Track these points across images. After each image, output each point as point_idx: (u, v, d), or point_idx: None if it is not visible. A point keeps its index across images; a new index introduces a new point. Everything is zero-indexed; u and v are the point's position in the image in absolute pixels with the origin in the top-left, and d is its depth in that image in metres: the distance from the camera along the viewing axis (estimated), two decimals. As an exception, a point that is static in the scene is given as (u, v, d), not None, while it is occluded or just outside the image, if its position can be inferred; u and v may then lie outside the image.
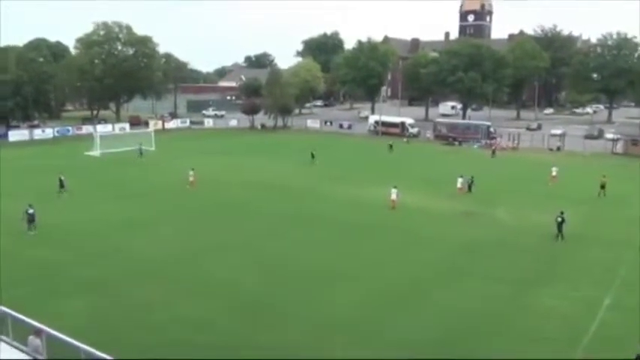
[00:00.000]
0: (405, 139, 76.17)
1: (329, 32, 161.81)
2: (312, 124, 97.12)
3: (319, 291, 21.99)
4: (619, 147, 69.92)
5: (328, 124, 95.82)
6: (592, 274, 24.59)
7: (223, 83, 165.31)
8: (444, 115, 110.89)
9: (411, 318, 19.68)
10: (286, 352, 17.08)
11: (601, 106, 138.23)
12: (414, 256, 26.75)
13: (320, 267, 24.72)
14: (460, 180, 41.78)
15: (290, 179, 46.38)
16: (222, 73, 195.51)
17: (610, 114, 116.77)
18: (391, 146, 66.79)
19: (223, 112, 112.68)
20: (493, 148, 67.53)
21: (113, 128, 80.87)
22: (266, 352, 17.05)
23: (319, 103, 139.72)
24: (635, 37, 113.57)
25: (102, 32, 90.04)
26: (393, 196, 36.74)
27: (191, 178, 41.93)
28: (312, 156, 54.92)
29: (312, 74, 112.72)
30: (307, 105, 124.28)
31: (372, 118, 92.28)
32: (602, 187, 41.70)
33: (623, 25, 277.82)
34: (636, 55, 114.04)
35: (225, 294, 21.64)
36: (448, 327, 18.99)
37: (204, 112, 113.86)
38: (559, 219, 29.74)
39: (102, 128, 77.68)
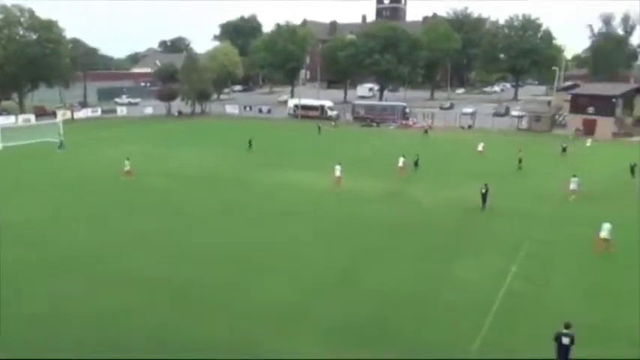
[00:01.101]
0: (332, 123, 76.67)
1: (246, 15, 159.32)
2: (231, 109, 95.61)
3: (246, 280, 21.70)
4: (524, 123, 74.13)
5: (248, 109, 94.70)
6: (502, 246, 25.89)
7: (137, 69, 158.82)
8: (362, 97, 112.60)
9: (338, 302, 19.83)
10: (214, 344, 16.79)
11: (508, 85, 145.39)
12: (341, 238, 27.01)
13: (247, 256, 24.38)
14: (402, 159, 42.32)
15: (221, 167, 45.44)
16: (135, 59, 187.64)
17: (516, 92, 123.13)
18: (320, 128, 67.56)
19: (138, 100, 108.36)
20: (425, 128, 69.30)
21: (17, 120, 75.65)
22: (193, 346, 16.70)
23: (238, 87, 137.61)
24: (539, 18, 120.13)
25: (1, 16, 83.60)
26: (338, 173, 37.64)
27: (127, 168, 40.19)
28: (250, 144, 53.79)
29: (229, 58, 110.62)
30: (226, 90, 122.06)
31: (292, 102, 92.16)
32: (520, 161, 44.42)
33: (527, 6, 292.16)
34: (539, 35, 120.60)
35: (149, 285, 20.95)
36: (374, 309, 19.33)
37: (116, 100, 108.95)
38: (483, 190, 31.68)
39: (4, 120, 72.46)
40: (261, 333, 17.50)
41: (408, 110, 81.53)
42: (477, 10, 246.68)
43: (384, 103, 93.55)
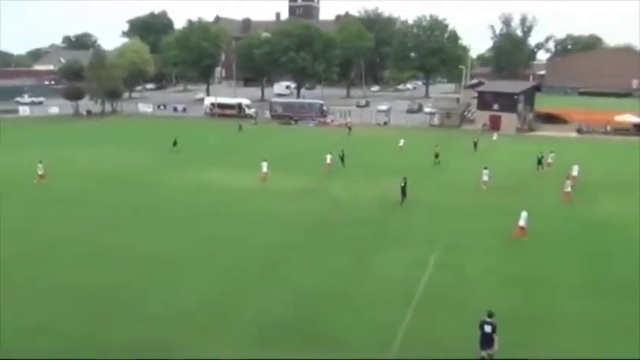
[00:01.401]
0: (253, 121, 75.92)
1: (157, 11, 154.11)
2: (144, 108, 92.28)
3: (167, 283, 20.93)
4: (436, 119, 77.22)
5: (162, 107, 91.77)
6: (421, 238, 26.70)
7: (39, 67, 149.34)
8: (280, 95, 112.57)
9: (261, 302, 19.58)
10: (133, 349, 16.04)
11: (419, 83, 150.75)
12: (259, 236, 26.72)
13: (166, 258, 23.49)
14: (329, 156, 42.58)
15: (139, 167, 43.54)
16: (37, 55, 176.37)
17: (427, 90, 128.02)
18: (241, 127, 66.94)
19: (42, 99, 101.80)
20: (348, 125, 69.96)
21: None
22: (111, 352, 15.86)
23: (151, 85, 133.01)
24: (445, 19, 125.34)
25: None
26: (264, 170, 38.45)
27: (40, 172, 37.43)
28: (175, 143, 51.49)
29: (140, 56, 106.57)
30: (138, 88, 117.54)
31: (208, 100, 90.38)
32: (436, 156, 46.06)
33: (435, 7, 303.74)
34: (446, 35, 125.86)
35: (63, 293, 19.66)
36: (296, 306, 19.27)
37: (18, 99, 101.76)
38: (402, 184, 32.38)
39: None
40: (183, 337, 16.94)
41: (325, 108, 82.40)
42: (387, 9, 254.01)
43: (301, 100, 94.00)
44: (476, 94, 77.67)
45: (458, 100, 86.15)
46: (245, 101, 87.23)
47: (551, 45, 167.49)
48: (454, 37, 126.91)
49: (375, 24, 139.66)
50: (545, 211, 31.50)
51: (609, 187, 38.03)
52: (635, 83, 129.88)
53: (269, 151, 48.29)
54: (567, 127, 71.58)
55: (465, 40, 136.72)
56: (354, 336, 17.32)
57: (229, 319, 18.32)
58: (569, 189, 33.88)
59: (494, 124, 69.79)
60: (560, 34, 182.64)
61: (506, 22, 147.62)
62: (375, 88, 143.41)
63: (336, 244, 25.73)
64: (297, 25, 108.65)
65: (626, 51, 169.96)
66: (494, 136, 62.01)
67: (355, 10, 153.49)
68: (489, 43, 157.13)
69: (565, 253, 24.74)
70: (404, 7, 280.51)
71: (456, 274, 22.15)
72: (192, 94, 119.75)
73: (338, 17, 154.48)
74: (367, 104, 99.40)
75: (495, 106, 70.98)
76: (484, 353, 15.02)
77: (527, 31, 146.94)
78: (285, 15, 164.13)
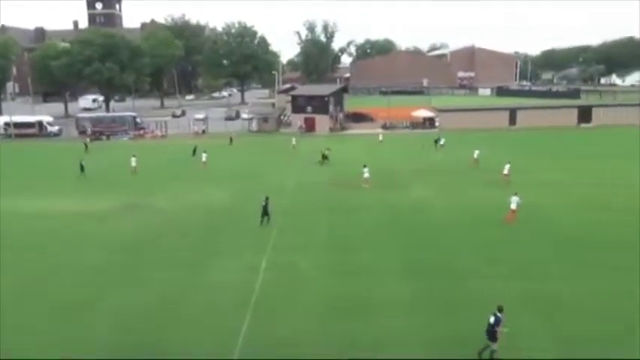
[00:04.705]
0: (87, 139, 67.87)
1: None
2: None
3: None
4: (254, 125, 78.74)
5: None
6: (251, 242, 27.19)
7: None
8: (86, 110, 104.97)
9: (84, 332, 18.44)
10: None
11: (235, 90, 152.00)
12: (82, 261, 24.88)
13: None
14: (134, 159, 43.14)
15: None
16: None
17: (242, 96, 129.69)
18: (87, 146, 60.17)
19: None
20: (201, 130, 67.46)
21: None
22: None
23: None
24: (254, 26, 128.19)
25: None
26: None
27: None
28: (82, 168, 45.55)
29: None
30: None
31: (1, 120, 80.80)
32: (325, 157, 47.82)
33: (244, 14, 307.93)
34: (256, 42, 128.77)
35: None
36: (128, 326, 18.54)
37: None
38: (263, 203, 29.91)
39: None
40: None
41: (139, 120, 78.95)
42: (194, 16, 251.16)
43: (112, 114, 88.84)
44: (290, 99, 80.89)
45: (273, 104, 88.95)
46: (46, 118, 79.77)
47: (352, 49, 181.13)
48: (264, 43, 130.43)
49: (184, 31, 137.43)
50: (359, 201, 34.32)
51: (411, 176, 42.50)
52: (425, 82, 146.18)
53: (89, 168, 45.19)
54: (374, 124, 78.16)
55: (274, 46, 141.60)
56: (194, 345, 17.23)
57: (60, 346, 16.92)
58: (366, 175, 37.99)
59: (310, 126, 73.50)
60: (360, 39, 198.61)
61: (311, 28, 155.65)
62: (190, 96, 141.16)
63: (166, 259, 25.09)
64: (100, 34, 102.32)
65: (416, 54, 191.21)
66: (293, 141, 62.60)
67: (162, 18, 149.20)
68: (297, 49, 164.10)
69: (383, 239, 27.17)
70: (210, 14, 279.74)
71: (289, 273, 23.07)
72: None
73: (144, 25, 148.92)
74: (183, 113, 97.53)
75: (309, 109, 74.74)
76: (490, 344, 15.81)
77: (330, 36, 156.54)
78: (84, 23, 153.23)
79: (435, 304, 19.79)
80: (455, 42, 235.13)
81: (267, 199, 30.08)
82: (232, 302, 20.27)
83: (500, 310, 15.94)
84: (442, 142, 55.56)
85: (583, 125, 72.66)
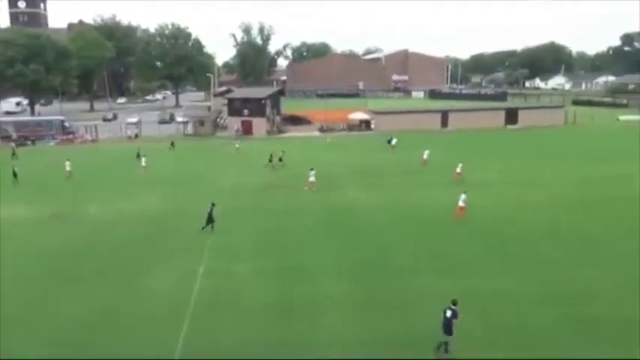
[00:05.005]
0: (13, 145, 63.57)
1: None
2: None
3: None
4: (189, 128, 77.28)
5: None
6: (188, 248, 26.64)
7: None
8: (9, 113, 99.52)
9: (20, 340, 17.49)
10: None
11: (169, 92, 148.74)
12: (17, 270, 23.48)
13: None
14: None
15: None
16: None
17: (177, 99, 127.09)
18: (14, 152, 56.22)
19: None
20: (133, 134, 64.51)
21: None
22: None
23: None
24: (188, 27, 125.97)
25: None
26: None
27: None
28: (14, 175, 42.65)
29: None
30: None
31: None
32: (280, 160, 47.51)
33: (177, 15, 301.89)
34: (190, 44, 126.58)
35: None
36: (62, 339, 17.73)
37: None
38: (209, 209, 29.05)
39: None
40: None
41: (67, 124, 75.64)
42: (125, 17, 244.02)
43: (38, 118, 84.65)
44: (226, 101, 79.93)
45: (209, 107, 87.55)
46: (-35, 123, 74.98)
47: (289, 52, 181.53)
48: (198, 45, 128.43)
49: (115, 32, 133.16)
50: (300, 204, 34.42)
51: (351, 177, 43.02)
52: (361, 85, 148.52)
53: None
54: (311, 127, 78.51)
55: (209, 49, 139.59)
56: (130, 357, 16.68)
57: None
58: (312, 179, 37.91)
59: (247, 129, 72.86)
60: (296, 42, 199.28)
61: (247, 30, 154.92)
62: (122, 100, 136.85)
63: (101, 268, 24.14)
64: (23, 34, 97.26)
65: (351, 57, 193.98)
66: (237, 144, 60.25)
67: (90, 18, 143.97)
68: (233, 51, 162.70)
69: (323, 241, 27.31)
70: (143, 15, 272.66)
71: (228, 278, 22.74)
72: None
73: (71, 25, 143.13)
74: (115, 117, 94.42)
75: (246, 112, 74.06)
76: (446, 338, 16.14)
77: (267, 39, 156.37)
78: (5, 22, 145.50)
79: (375, 303, 20.06)
80: (389, 46, 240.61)
81: (212, 204, 29.31)
82: (169, 311, 19.76)
83: (454, 303, 16.36)
84: (394, 142, 57.15)
85: (510, 127, 75.96)
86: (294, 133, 75.07)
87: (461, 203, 30.17)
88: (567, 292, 20.51)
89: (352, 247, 26.34)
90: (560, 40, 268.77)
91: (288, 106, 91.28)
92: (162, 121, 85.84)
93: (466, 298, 18.57)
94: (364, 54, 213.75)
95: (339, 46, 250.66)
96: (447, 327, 16.17)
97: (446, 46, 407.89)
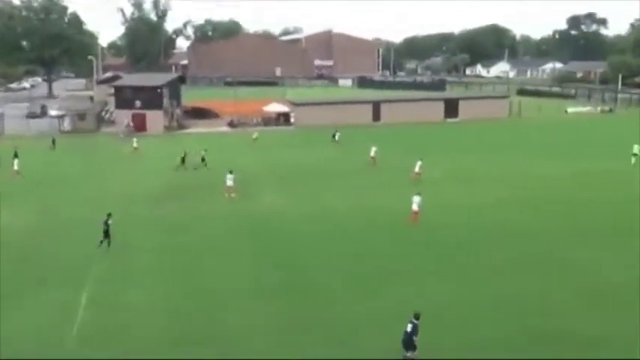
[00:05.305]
0: None
1: None
2: None
3: None
4: (67, 124, 73.87)
5: None
6: (68, 270, 25.41)
7: None
8: None
9: None
10: None
11: (39, 79, 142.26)
12: None
13: None
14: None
15: None
16: None
17: (50, 87, 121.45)
18: None
19: None
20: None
21: None
22: None
23: None
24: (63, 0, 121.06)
25: None
26: None
27: None
28: None
29: None
30: None
31: None
32: (203, 159, 46.59)
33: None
34: (66, 19, 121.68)
35: None
36: None
37: None
38: (105, 224, 27.95)
39: None
40: None
41: None
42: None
43: None
44: (113, 90, 77.28)
45: (92, 98, 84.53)
46: None
47: (190, 31, 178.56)
48: (77, 21, 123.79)
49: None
50: (209, 213, 33.86)
51: (277, 180, 42.83)
52: (278, 71, 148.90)
53: None
54: (219, 122, 77.47)
55: (91, 26, 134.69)
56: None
57: None
58: (230, 183, 37.38)
59: (140, 125, 70.61)
60: (199, 19, 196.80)
61: (138, 4, 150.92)
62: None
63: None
64: None
65: (267, 38, 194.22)
66: (134, 143, 57.93)
67: None
68: (121, 30, 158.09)
69: (234, 257, 26.89)
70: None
71: (114, 310, 21.67)
72: None
73: None
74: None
75: (138, 104, 71.79)
76: (408, 354, 16.75)
77: (162, 15, 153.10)
78: None
79: (292, 328, 19.92)
80: (310, 26, 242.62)
81: (109, 215, 28.27)
82: (39, 354, 18.53)
83: (416, 317, 16.99)
84: (337, 137, 59.07)
85: (450, 120, 78.55)
86: (199, 128, 73.72)
87: (415, 207, 30.76)
88: (523, 305, 21.21)
89: (272, 265, 26.07)
90: (503, 23, 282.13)
91: (190, 97, 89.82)
92: (32, 115, 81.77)
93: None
94: (281, 34, 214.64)
95: (251, 26, 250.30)
96: (407, 342, 16.80)
97: (375, 27, 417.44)
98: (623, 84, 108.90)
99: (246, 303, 22.06)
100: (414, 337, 16.73)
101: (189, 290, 23.41)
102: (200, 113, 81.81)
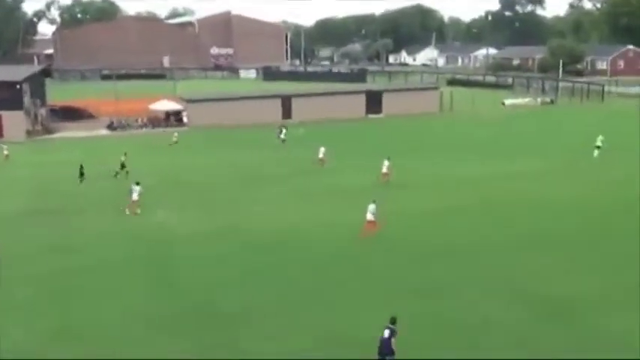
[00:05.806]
0: None
1: None
2: None
3: None
4: None
5: None
6: None
7: None
8: None
9: None
10: None
11: None
12: None
13: None
14: None
15: None
16: None
17: None
18: None
19: None
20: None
21: None
22: None
23: None
24: None
25: None
26: None
27: None
28: None
29: None
30: None
31: None
32: (122, 166, 46.45)
33: None
34: None
35: None
36: None
37: None
38: None
39: None
40: None
41: None
42: None
43: None
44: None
45: None
46: None
47: (55, 13, 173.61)
48: None
49: None
50: (103, 231, 33.61)
51: (162, 193, 42.27)
52: (166, 61, 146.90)
53: None
54: (95, 124, 75.51)
55: None
56: None
57: None
58: (135, 196, 36.96)
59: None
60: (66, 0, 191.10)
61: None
62: None
63: None
64: None
65: (153, 21, 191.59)
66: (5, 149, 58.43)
67: None
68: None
69: (126, 284, 26.42)
70: None
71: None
72: None
73: None
74: None
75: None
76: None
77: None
78: None
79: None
80: (204, 8, 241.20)
81: None
82: None
83: (393, 322, 18.27)
84: (283, 135, 60.85)
85: (372, 116, 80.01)
86: (71, 132, 71.66)
87: (369, 216, 31.30)
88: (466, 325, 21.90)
89: (170, 290, 25.92)
90: (428, 3, 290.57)
91: (58, 94, 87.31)
92: None
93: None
94: (169, 17, 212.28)
95: (131, 6, 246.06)
96: (385, 348, 17.96)
97: (283, 8, 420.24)
98: (564, 71, 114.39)
99: (137, 336, 21.67)
100: (393, 340, 17.92)
101: (69, 324, 22.73)
102: (71, 114, 79.31)
